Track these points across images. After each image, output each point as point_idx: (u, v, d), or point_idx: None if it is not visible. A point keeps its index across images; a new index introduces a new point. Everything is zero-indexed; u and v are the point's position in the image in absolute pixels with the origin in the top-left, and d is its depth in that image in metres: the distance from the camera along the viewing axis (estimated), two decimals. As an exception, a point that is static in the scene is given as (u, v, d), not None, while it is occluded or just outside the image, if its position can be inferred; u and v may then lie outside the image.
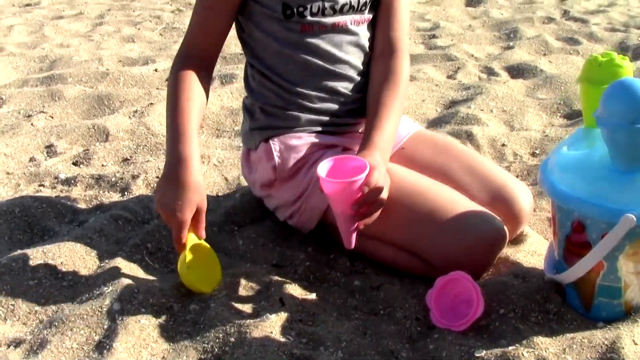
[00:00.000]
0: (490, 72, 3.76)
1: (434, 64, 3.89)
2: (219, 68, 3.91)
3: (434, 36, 4.73)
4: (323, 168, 1.58)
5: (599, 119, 1.39)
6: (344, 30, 1.85)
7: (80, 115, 3.08)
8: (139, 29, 5.16)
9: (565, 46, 4.42)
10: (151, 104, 3.10)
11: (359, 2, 1.84)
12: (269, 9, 1.79)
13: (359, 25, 1.88)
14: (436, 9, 5.80)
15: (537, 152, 2.61)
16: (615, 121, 1.36)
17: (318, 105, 1.86)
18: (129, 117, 2.94)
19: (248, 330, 1.50)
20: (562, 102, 3.14)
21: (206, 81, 1.84)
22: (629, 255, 1.45)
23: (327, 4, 1.79)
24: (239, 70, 3.73)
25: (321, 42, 1.83)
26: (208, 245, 1.74)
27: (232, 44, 4.50)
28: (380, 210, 1.63)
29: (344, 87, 1.87)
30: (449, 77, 3.72)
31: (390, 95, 1.81)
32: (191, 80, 1.78)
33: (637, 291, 1.51)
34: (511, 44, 4.45)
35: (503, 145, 2.63)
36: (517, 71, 3.77)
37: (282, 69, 1.85)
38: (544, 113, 3.08)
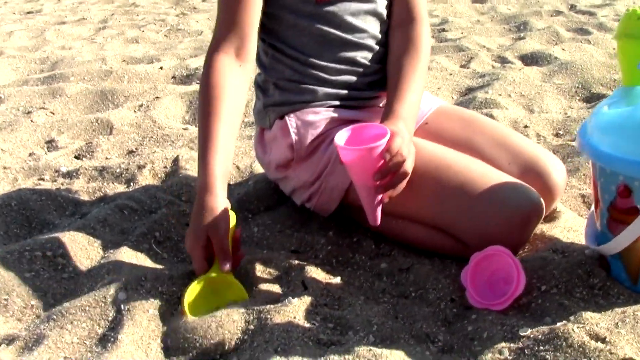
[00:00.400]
0: (503, 60, 3.66)
1: (446, 55, 3.79)
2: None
3: (443, 30, 4.64)
4: (341, 137, 1.47)
5: (646, 71, 1.28)
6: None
7: (83, 111, 2.97)
8: (143, 32, 5.08)
9: (577, 36, 4.32)
10: (157, 97, 3.00)
11: None
12: None
13: None
14: (443, 6, 5.71)
15: (560, 132, 2.51)
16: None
17: (335, 77, 1.75)
18: (134, 111, 2.84)
19: (269, 316, 1.38)
20: (580, 86, 3.03)
21: (243, 73, 1.66)
22: (682, 220, 1.33)
23: None
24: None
25: (338, 11, 1.73)
26: (232, 280, 1.52)
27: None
28: (405, 182, 1.52)
29: (363, 57, 1.77)
30: (462, 66, 3.61)
31: (411, 64, 1.71)
32: (226, 74, 1.62)
33: (688, 260, 1.40)
34: (522, 35, 4.35)
35: (525, 127, 2.52)
36: (531, 59, 3.66)
37: (297, 41, 1.74)
38: (563, 97, 2.97)
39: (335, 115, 1.75)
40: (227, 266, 1.48)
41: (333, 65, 1.74)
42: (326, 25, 1.72)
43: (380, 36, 1.79)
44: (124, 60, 4.04)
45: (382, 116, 1.63)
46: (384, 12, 1.80)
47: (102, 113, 2.83)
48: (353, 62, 1.76)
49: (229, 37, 1.62)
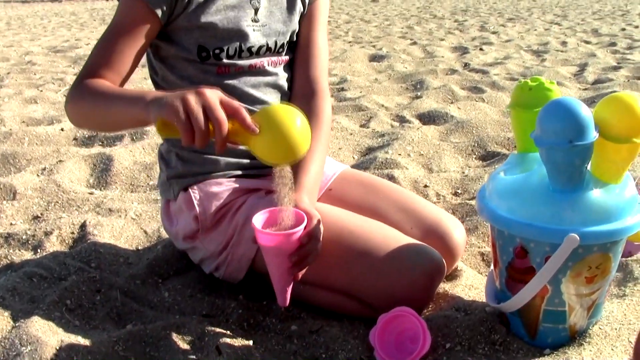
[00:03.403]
0: (402, 119, 3.79)
1: (345, 114, 3.90)
2: (128, 125, 3.80)
3: (342, 89, 4.76)
4: (258, 220, 1.49)
5: (536, 140, 1.37)
6: (261, 71, 1.81)
7: (-16, 175, 2.92)
8: (41, 91, 5.02)
9: (471, 94, 4.52)
10: (60, 161, 2.97)
11: (275, 43, 1.81)
12: (185, 51, 1.73)
13: (277, 66, 1.84)
14: (342, 65, 5.87)
15: (459, 191, 2.61)
16: (553, 140, 1.34)
17: (238, 153, 1.79)
18: (37, 175, 2.81)
19: (185, 382, 1.40)
20: (476, 145, 3.17)
21: None
22: (573, 277, 1.42)
23: (243, 46, 1.75)
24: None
25: (238, 84, 1.78)
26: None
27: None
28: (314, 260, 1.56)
29: None
30: (362, 125, 3.72)
31: (313, 136, 1.76)
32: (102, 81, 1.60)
33: (580, 314, 1.49)
34: (419, 93, 4.51)
35: (425, 186, 2.62)
36: (428, 118, 3.81)
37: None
38: (460, 155, 3.10)
39: (238, 185, 1.78)
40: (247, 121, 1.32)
41: None
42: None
43: None
44: (24, 121, 3.99)
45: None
46: (286, 85, 1.86)
47: (4, 177, 2.78)
48: None
49: (105, 74, 1.61)
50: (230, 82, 1.76)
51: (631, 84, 4.63)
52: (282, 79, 1.86)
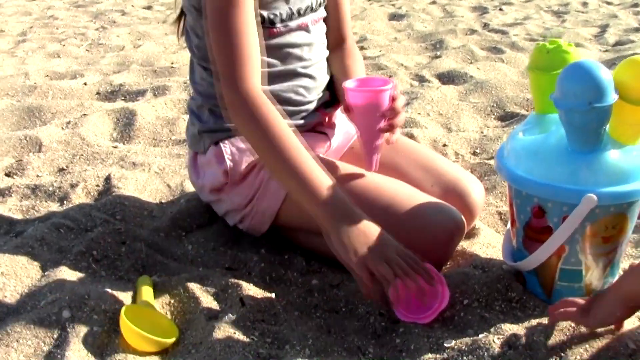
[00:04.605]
0: (421, 79, 3.79)
1: (366, 74, 3.90)
2: (151, 81, 3.84)
3: (362, 47, 4.75)
4: (350, 83, 1.71)
5: (556, 101, 1.40)
6: (305, 29, 1.85)
7: (10, 127, 2.97)
8: (64, 45, 5.04)
9: (490, 55, 4.50)
10: (84, 114, 3.02)
11: (317, 1, 1.86)
12: None
13: (316, 24, 1.89)
14: (361, 23, 5.84)
15: (477, 151, 2.64)
16: (572, 102, 1.37)
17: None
18: (62, 128, 2.85)
19: (210, 332, 1.45)
20: (495, 105, 3.19)
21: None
22: (590, 237, 1.46)
23: (293, 9, 1.79)
24: (171, 82, 3.66)
25: (287, 43, 1.82)
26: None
27: (162, 58, 4.44)
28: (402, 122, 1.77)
29: (302, 85, 1.86)
30: (382, 84, 3.74)
31: (357, 68, 1.95)
32: (269, 101, 1.64)
33: (596, 274, 1.53)
34: (438, 53, 4.51)
35: (444, 145, 2.64)
36: (447, 78, 3.81)
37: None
38: (479, 115, 3.12)
39: None
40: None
41: (271, 93, 1.81)
42: (271, 56, 1.79)
43: (320, 65, 1.91)
44: (47, 75, 4.01)
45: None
46: (325, 40, 1.94)
47: (30, 130, 2.83)
48: (292, 91, 1.84)
49: (247, 67, 1.63)
50: (280, 41, 1.80)
51: (653, 46, 4.60)
52: (322, 35, 1.93)
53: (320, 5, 1.89)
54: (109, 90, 3.61)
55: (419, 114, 3.03)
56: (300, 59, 1.85)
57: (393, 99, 1.70)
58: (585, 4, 7.20)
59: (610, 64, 4.09)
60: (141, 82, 3.79)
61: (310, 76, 1.87)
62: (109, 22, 6.36)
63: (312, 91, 1.88)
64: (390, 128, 1.72)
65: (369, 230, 1.52)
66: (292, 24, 1.81)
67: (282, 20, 1.78)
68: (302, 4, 1.82)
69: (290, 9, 1.79)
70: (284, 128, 1.60)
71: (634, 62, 1.42)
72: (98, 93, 3.59)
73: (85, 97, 3.50)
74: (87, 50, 4.98)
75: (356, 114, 1.70)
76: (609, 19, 6.04)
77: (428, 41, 5.01)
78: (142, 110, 3.02)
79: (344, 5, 1.98)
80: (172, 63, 4.25)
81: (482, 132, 2.83)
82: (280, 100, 1.81)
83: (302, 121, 1.87)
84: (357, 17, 6.27)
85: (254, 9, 1.67)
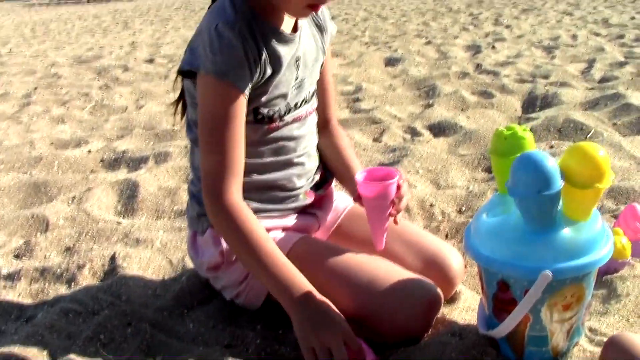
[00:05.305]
0: (413, 132, 3.94)
1: (359, 128, 4.06)
2: (153, 146, 4.00)
3: (357, 99, 4.91)
4: (360, 176, 1.87)
5: (510, 190, 1.54)
6: (300, 121, 1.99)
7: (17, 204, 3.13)
8: (68, 108, 5.22)
9: (481, 100, 4.66)
10: (89, 188, 3.17)
11: (309, 93, 2.01)
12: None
13: (310, 115, 2.04)
14: (358, 70, 6.01)
15: (463, 208, 2.77)
16: (524, 190, 1.51)
17: (265, 195, 1.97)
18: (68, 204, 3.00)
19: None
20: (482, 157, 3.33)
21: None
22: (550, 306, 1.59)
23: (290, 104, 1.93)
24: (172, 147, 3.82)
25: (280, 136, 1.95)
26: None
27: (164, 120, 4.60)
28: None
29: (295, 173, 2.01)
30: (375, 140, 3.89)
31: (346, 150, 2.15)
32: (247, 210, 1.79)
33: (561, 337, 1.65)
34: (431, 101, 4.66)
35: (431, 205, 2.78)
36: (438, 129, 3.96)
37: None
38: (467, 169, 3.26)
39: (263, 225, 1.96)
40: None
41: (265, 182, 1.96)
42: (268, 148, 1.94)
43: (312, 152, 2.07)
44: (52, 143, 4.18)
45: (352, 183, 1.98)
46: (315, 130, 2.09)
47: (37, 207, 2.98)
48: (286, 179, 1.99)
49: (230, 179, 1.77)
50: (276, 134, 1.94)
51: (635, 82, 4.74)
52: (314, 124, 2.08)
53: (312, 96, 2.03)
54: (113, 157, 3.78)
55: (409, 171, 3.17)
56: (294, 149, 1.99)
57: (399, 187, 1.87)
58: (574, 37, 7.36)
59: (594, 104, 4.24)
60: (143, 148, 3.95)
61: (302, 164, 2.02)
62: (112, 79, 6.52)
63: (303, 177, 2.03)
64: (396, 212, 1.89)
65: (324, 321, 1.68)
66: (289, 117, 1.94)
67: (280, 116, 1.91)
68: (298, 98, 1.95)
69: (288, 104, 1.92)
70: (260, 236, 1.76)
71: (577, 149, 1.55)
72: (102, 161, 3.75)
73: (90, 165, 3.66)
74: (90, 112, 5.14)
75: (367, 204, 1.88)
76: (596, 53, 6.19)
77: (422, 87, 5.17)
78: (144, 181, 3.17)
79: (330, 90, 2.14)
80: (174, 125, 4.41)
81: (468, 188, 2.96)
82: (273, 187, 1.97)
83: (293, 204, 2.02)
84: (354, 63, 6.45)
85: (257, 106, 1.84)
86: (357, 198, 1.95)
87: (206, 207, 1.80)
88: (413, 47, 7.36)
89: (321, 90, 2.11)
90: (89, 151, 3.92)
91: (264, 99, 1.85)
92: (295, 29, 1.90)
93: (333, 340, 1.63)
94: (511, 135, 1.69)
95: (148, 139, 4.21)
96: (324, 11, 2.03)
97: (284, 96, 1.90)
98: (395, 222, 1.91)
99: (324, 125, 2.15)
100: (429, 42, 7.70)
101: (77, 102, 5.45)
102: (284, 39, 1.85)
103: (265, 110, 1.87)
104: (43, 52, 9.41)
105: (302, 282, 1.72)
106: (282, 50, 1.84)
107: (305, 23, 1.96)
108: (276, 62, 1.82)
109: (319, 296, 1.71)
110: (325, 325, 1.67)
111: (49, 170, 3.59)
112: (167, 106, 4.99)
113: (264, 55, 1.78)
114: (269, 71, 1.81)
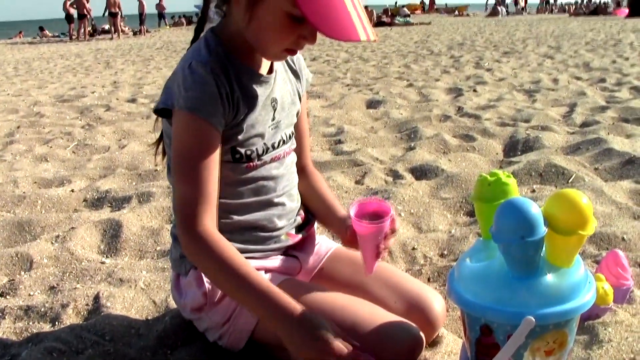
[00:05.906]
0: (395, 174, 3.98)
1: (341, 170, 4.10)
2: (136, 186, 4.01)
3: (339, 141, 4.95)
4: (353, 210, 1.87)
5: (494, 236, 1.57)
6: (278, 161, 2.02)
7: (1, 242, 3.12)
8: (50, 147, 5.23)
9: (462, 143, 4.72)
10: (72, 228, 3.17)
11: (286, 134, 2.04)
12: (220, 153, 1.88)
13: (288, 155, 2.07)
14: (339, 113, 6.06)
15: (445, 252, 2.80)
16: (508, 237, 1.54)
17: (246, 236, 1.99)
18: (52, 243, 3.01)
19: None
20: (463, 200, 3.37)
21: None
22: (533, 352, 1.61)
23: (268, 144, 1.96)
24: (155, 187, 3.84)
25: (259, 176, 1.98)
26: None
27: (146, 160, 4.62)
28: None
29: (275, 214, 2.03)
30: (357, 182, 3.92)
31: (324, 190, 2.20)
32: (223, 238, 1.78)
33: (543, 382, 1.68)
34: (412, 144, 4.71)
35: (413, 249, 2.81)
36: (420, 172, 4.00)
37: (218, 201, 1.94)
38: (448, 212, 3.29)
39: None
40: None
41: (246, 222, 1.98)
42: (249, 188, 1.97)
43: (292, 192, 2.10)
44: (35, 182, 4.18)
45: (337, 222, 2.09)
46: (294, 170, 2.12)
47: (21, 246, 2.98)
48: (267, 220, 2.01)
49: (204, 208, 1.77)
50: (255, 174, 1.97)
51: (616, 127, 4.82)
52: (293, 164, 2.12)
53: (290, 138, 2.07)
54: (96, 197, 3.78)
55: (391, 214, 3.20)
56: (274, 189, 2.02)
57: (392, 220, 1.91)
58: (555, 81, 7.48)
59: (576, 148, 4.31)
60: (126, 188, 3.96)
61: (282, 204, 2.05)
62: (95, 118, 6.54)
63: (284, 218, 2.05)
64: (385, 246, 1.93)
65: (315, 336, 1.68)
66: (267, 157, 1.97)
67: (258, 155, 1.95)
68: (275, 138, 1.99)
69: (265, 144, 1.96)
70: (239, 261, 1.76)
71: (560, 196, 1.59)
72: (85, 200, 3.76)
73: (73, 204, 3.67)
74: (73, 151, 5.15)
75: (361, 239, 1.90)
76: (577, 97, 6.29)
77: (403, 130, 5.22)
78: (127, 221, 3.18)
79: (306, 135, 2.20)
80: (156, 165, 4.43)
81: (450, 232, 2.99)
82: (255, 227, 1.99)
83: (275, 245, 2.04)
84: (335, 105, 6.51)
85: (232, 146, 1.86)
86: (348, 236, 2.00)
87: (180, 238, 1.81)
88: (395, 89, 7.45)
89: (298, 136, 2.15)
90: (72, 190, 3.92)
91: (240, 137, 1.88)
92: (270, 71, 1.96)
93: (328, 346, 1.65)
94: (495, 182, 1.72)
95: (131, 179, 4.23)
96: (299, 58, 2.10)
97: (261, 136, 1.93)
98: (383, 255, 1.94)
99: (301, 169, 2.18)
100: (410, 85, 7.80)
101: (59, 141, 5.47)
102: (258, 80, 1.90)
103: (242, 150, 1.91)
104: (26, 90, 9.45)
105: (287, 300, 1.72)
106: (257, 89, 1.89)
107: (280, 67, 2.02)
108: (250, 101, 1.87)
109: (306, 309, 1.71)
110: (316, 334, 1.67)
111: (33, 209, 3.60)
112: (150, 146, 5.01)
113: (237, 92, 1.83)
114: (243, 109, 1.85)
